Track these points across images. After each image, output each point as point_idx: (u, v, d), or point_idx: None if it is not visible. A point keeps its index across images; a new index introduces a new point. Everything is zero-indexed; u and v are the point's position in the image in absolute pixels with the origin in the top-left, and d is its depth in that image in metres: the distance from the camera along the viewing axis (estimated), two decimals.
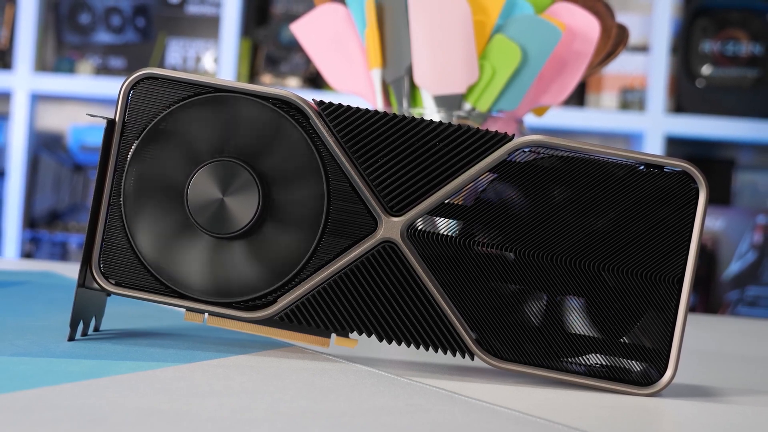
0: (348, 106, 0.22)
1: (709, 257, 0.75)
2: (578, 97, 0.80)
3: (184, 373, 0.19)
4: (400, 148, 0.21)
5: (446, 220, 0.21)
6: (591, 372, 0.21)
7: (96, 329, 0.23)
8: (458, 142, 0.21)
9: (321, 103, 0.22)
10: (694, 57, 0.77)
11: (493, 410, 0.18)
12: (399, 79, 0.32)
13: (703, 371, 0.26)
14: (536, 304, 0.21)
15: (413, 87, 0.32)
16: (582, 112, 0.77)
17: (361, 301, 0.22)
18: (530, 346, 0.21)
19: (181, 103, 0.22)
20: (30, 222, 0.82)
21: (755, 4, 0.77)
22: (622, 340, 0.21)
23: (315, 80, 0.81)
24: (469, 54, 0.30)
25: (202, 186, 0.21)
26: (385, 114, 0.22)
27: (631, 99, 0.79)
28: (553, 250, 0.21)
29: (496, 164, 0.21)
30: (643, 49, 0.79)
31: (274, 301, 0.22)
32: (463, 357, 0.22)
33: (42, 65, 0.82)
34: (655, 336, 0.21)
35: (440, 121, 0.22)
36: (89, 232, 0.22)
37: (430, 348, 0.22)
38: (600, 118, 0.77)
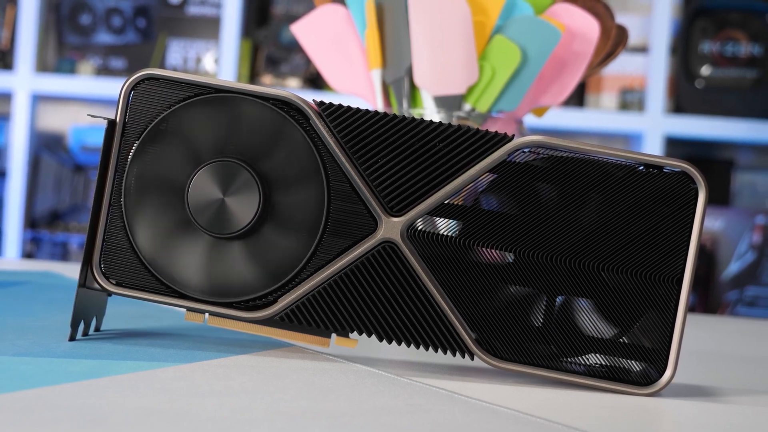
0: (348, 106, 0.22)
1: (708, 257, 0.75)
2: (578, 98, 0.80)
3: (185, 373, 0.19)
4: (400, 149, 0.21)
5: (446, 220, 0.22)
6: (591, 372, 0.21)
7: (97, 329, 0.24)
8: (458, 142, 0.21)
9: (321, 103, 0.22)
10: (694, 57, 0.77)
11: (493, 410, 0.18)
12: (399, 79, 0.32)
13: (702, 371, 0.26)
14: (536, 305, 0.22)
15: (413, 87, 0.32)
16: (581, 112, 0.78)
17: (361, 301, 0.22)
18: (530, 346, 0.21)
19: (181, 104, 0.22)
20: (31, 222, 0.82)
21: (754, 5, 0.77)
22: (621, 340, 0.21)
23: (315, 81, 0.82)
24: (469, 54, 0.31)
25: (203, 186, 0.21)
26: (385, 114, 0.22)
27: (631, 99, 0.79)
28: (553, 250, 0.21)
29: (496, 165, 0.21)
30: (642, 49, 0.79)
31: (275, 301, 0.22)
32: (463, 357, 0.22)
33: (43, 66, 0.82)
34: (654, 336, 0.21)
35: (440, 122, 0.22)
36: (90, 232, 0.22)
37: (430, 348, 0.22)
38: (599, 118, 0.77)
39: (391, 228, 0.21)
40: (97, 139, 0.84)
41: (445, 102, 0.31)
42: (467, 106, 0.31)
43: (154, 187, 0.21)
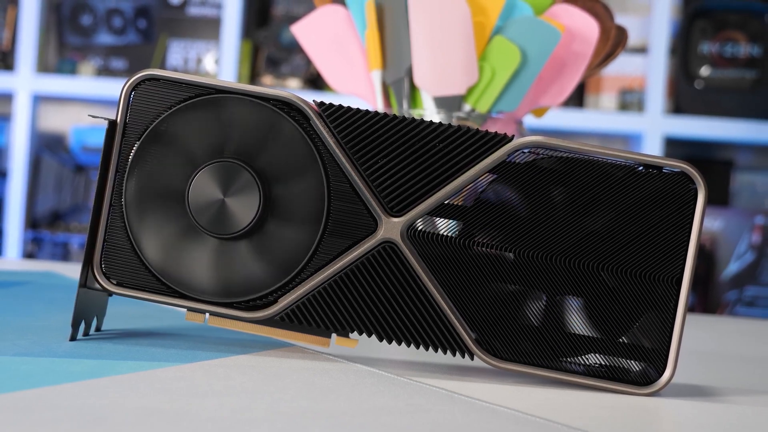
0: (348, 107, 0.22)
1: (707, 257, 0.75)
2: (577, 98, 0.80)
3: (185, 373, 0.19)
4: (400, 149, 0.21)
5: (446, 220, 0.22)
6: (590, 372, 0.21)
7: (98, 329, 0.24)
8: (458, 143, 0.21)
9: (321, 104, 0.22)
10: (693, 58, 0.77)
11: (493, 410, 0.18)
12: (399, 80, 0.32)
13: (701, 371, 0.26)
14: (536, 305, 0.22)
15: (413, 88, 0.32)
16: (581, 113, 0.78)
17: (362, 301, 0.22)
18: (530, 346, 0.21)
19: (182, 105, 0.22)
20: (32, 222, 0.82)
21: (754, 6, 0.78)
22: (621, 340, 0.21)
23: (315, 81, 0.82)
24: (469, 55, 0.31)
25: (204, 187, 0.21)
26: (385, 115, 0.22)
27: (630, 100, 0.79)
28: (553, 251, 0.21)
29: (496, 165, 0.21)
30: (641, 50, 0.79)
31: (275, 301, 0.22)
32: (463, 357, 0.22)
33: (44, 66, 0.82)
34: (654, 336, 0.21)
35: (440, 122, 0.22)
36: (91, 232, 0.22)
37: (430, 348, 0.22)
38: (599, 119, 0.77)
39: (391, 228, 0.21)
40: (98, 140, 0.84)
41: (445, 102, 0.31)
42: (467, 107, 0.31)
43: (155, 187, 0.22)
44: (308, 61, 0.80)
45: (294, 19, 0.75)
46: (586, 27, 0.32)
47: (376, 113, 0.22)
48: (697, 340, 0.33)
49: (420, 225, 0.22)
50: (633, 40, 0.78)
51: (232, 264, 0.21)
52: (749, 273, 0.73)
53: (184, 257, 0.21)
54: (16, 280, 0.34)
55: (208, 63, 0.83)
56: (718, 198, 0.80)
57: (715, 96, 0.77)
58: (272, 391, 0.18)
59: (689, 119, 0.76)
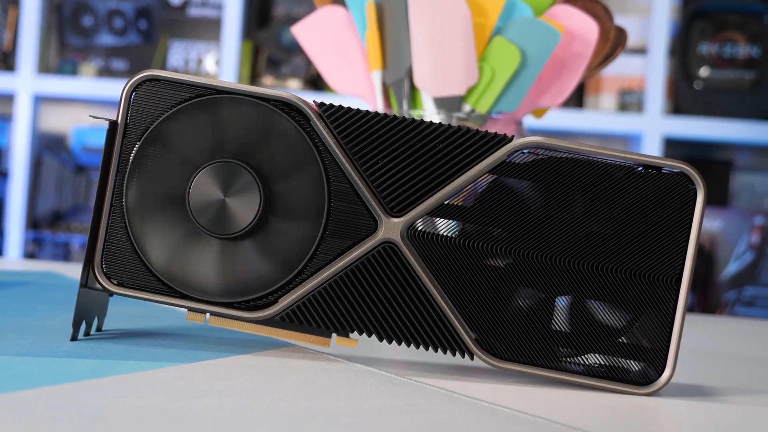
0: (348, 107, 0.22)
1: (707, 258, 0.75)
2: (577, 99, 0.80)
3: (185, 372, 0.19)
4: (400, 150, 0.22)
5: (446, 220, 0.22)
6: (590, 372, 0.22)
7: (98, 329, 0.24)
8: (458, 143, 0.22)
9: (321, 104, 0.22)
10: (692, 59, 0.77)
11: (493, 410, 0.18)
12: (399, 80, 0.32)
13: (701, 371, 0.27)
14: (535, 305, 0.22)
15: (413, 89, 0.32)
16: (581, 113, 0.78)
17: (362, 301, 0.22)
18: (529, 346, 0.21)
19: (183, 105, 0.22)
20: (33, 223, 0.82)
21: (753, 7, 0.78)
22: (620, 340, 0.22)
23: (315, 82, 0.82)
24: (469, 56, 0.31)
25: (204, 187, 0.21)
26: (386, 115, 0.22)
27: (630, 100, 0.79)
28: (552, 251, 0.21)
29: (496, 165, 0.21)
30: (641, 51, 0.79)
31: (275, 302, 0.22)
32: (463, 357, 0.22)
33: (45, 67, 0.82)
34: (653, 336, 0.21)
35: (440, 123, 0.22)
36: (91, 232, 0.22)
37: (430, 348, 0.22)
38: (598, 119, 0.77)
39: (391, 228, 0.21)
40: (99, 140, 0.84)
41: (444, 103, 0.31)
42: (467, 107, 0.31)
43: (156, 187, 0.22)
44: (308, 62, 0.80)
45: (294, 19, 0.75)
46: (585, 28, 0.32)
47: (376, 114, 0.22)
48: (697, 340, 0.33)
49: (420, 225, 0.22)
50: (632, 40, 0.78)
51: (233, 264, 0.22)
52: (748, 273, 0.73)
53: (184, 257, 0.22)
54: (17, 280, 0.34)
55: (209, 64, 0.83)
56: (718, 198, 0.80)
57: (714, 96, 0.77)
58: (272, 391, 0.18)
59: (688, 120, 0.76)
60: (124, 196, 0.22)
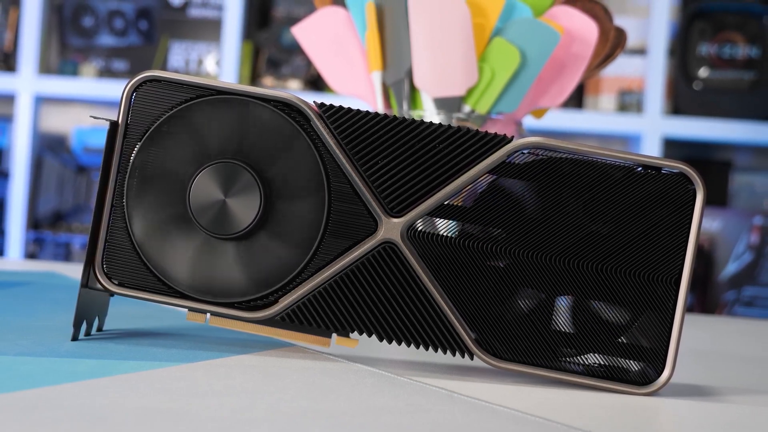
0: (348, 108, 0.22)
1: (706, 258, 0.75)
2: (577, 100, 0.80)
3: (186, 372, 0.20)
4: (401, 150, 0.22)
5: (446, 221, 0.22)
6: (589, 372, 0.22)
7: (99, 329, 0.24)
8: (458, 143, 0.22)
9: (322, 105, 0.22)
10: (692, 60, 0.77)
11: (493, 409, 0.18)
12: (399, 81, 0.32)
13: (700, 371, 0.27)
14: (535, 305, 0.22)
15: (413, 89, 0.32)
16: (580, 114, 0.78)
17: (362, 301, 0.22)
18: (529, 346, 0.21)
19: (183, 106, 0.22)
20: (34, 223, 0.82)
21: (752, 8, 0.78)
22: (620, 340, 0.22)
23: (316, 82, 0.82)
24: (469, 56, 0.31)
25: (205, 188, 0.21)
26: (386, 116, 0.22)
27: (629, 101, 0.79)
28: (552, 251, 0.21)
29: (495, 166, 0.21)
30: (640, 51, 0.79)
31: (276, 302, 0.22)
32: (463, 357, 0.22)
33: (46, 68, 0.82)
34: (652, 336, 0.21)
35: (440, 123, 0.22)
36: (92, 232, 0.22)
37: (430, 348, 0.22)
38: (598, 120, 0.77)
39: (391, 229, 0.22)
40: (100, 141, 0.84)
41: (444, 103, 0.31)
42: (467, 108, 0.31)
43: (156, 187, 0.22)
44: (309, 63, 0.80)
45: (294, 20, 0.75)
46: (585, 28, 0.32)
47: (377, 114, 0.22)
48: (696, 340, 0.33)
49: (420, 225, 0.22)
50: (632, 41, 0.78)
51: (233, 264, 0.22)
52: (748, 273, 0.73)
53: (185, 257, 0.22)
54: (18, 280, 0.34)
55: (209, 64, 0.83)
56: (717, 198, 0.80)
57: (713, 97, 0.77)
58: (273, 391, 0.18)
59: (688, 120, 0.76)
60: (124, 197, 0.22)
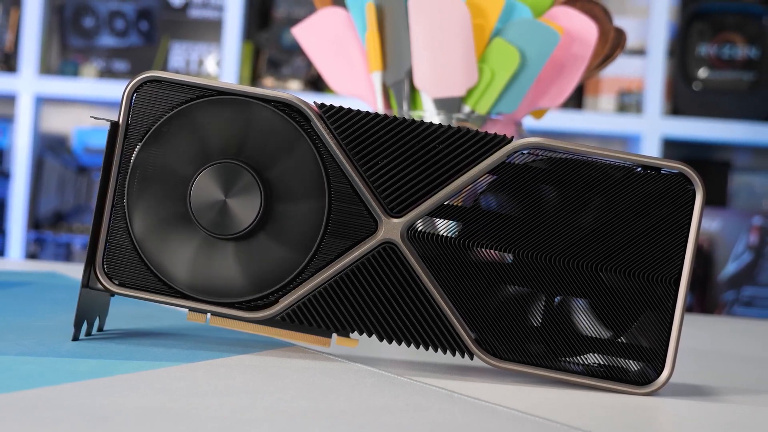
0: (349, 108, 0.22)
1: (705, 258, 0.75)
2: (576, 100, 0.80)
3: (186, 372, 0.20)
4: (401, 150, 0.22)
5: (446, 221, 0.22)
6: (589, 371, 0.22)
7: (100, 329, 0.24)
8: (458, 144, 0.22)
9: (322, 105, 0.22)
10: (691, 60, 0.77)
11: (493, 409, 0.18)
12: (399, 81, 0.32)
13: (699, 371, 0.27)
14: (535, 305, 0.22)
15: (413, 90, 0.32)
16: (580, 114, 0.78)
17: (362, 301, 0.22)
18: (529, 346, 0.22)
19: (184, 106, 0.22)
20: (35, 223, 0.82)
21: (751, 8, 0.78)
22: (619, 340, 0.22)
23: (316, 83, 0.82)
24: (469, 57, 0.31)
25: (205, 188, 0.21)
26: (386, 116, 0.22)
27: (629, 102, 0.79)
28: (552, 251, 0.21)
29: (495, 166, 0.22)
30: (640, 52, 0.79)
31: (276, 302, 0.22)
32: (463, 357, 0.22)
33: (46, 68, 0.82)
34: (652, 336, 0.21)
35: (440, 124, 0.22)
36: (93, 233, 0.22)
37: (430, 348, 0.22)
38: (598, 120, 0.77)
39: (391, 229, 0.22)
40: (100, 141, 0.84)
41: (444, 104, 0.31)
42: (467, 108, 0.32)
43: (156, 188, 0.22)
44: (309, 63, 0.80)
45: (295, 21, 0.75)
46: (584, 29, 0.32)
47: (377, 115, 0.22)
48: (695, 339, 0.33)
49: (420, 226, 0.22)
50: (631, 42, 0.78)
51: (234, 265, 0.22)
52: (747, 273, 0.73)
53: (186, 258, 0.22)
54: (19, 280, 0.34)
55: (210, 65, 0.83)
56: (716, 199, 0.80)
57: (713, 97, 0.77)
58: (273, 391, 0.18)
59: (687, 121, 0.76)
60: (125, 197, 0.22)
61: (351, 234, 0.22)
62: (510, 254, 0.22)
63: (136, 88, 0.22)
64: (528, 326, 0.22)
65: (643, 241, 0.21)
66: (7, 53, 0.83)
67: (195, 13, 0.84)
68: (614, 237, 0.21)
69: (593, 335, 0.22)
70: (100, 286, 0.22)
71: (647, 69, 0.76)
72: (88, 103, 0.86)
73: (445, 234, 0.22)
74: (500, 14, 0.31)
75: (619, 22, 0.36)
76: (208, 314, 0.22)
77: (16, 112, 0.81)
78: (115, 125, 0.22)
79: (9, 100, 0.83)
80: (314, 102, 0.22)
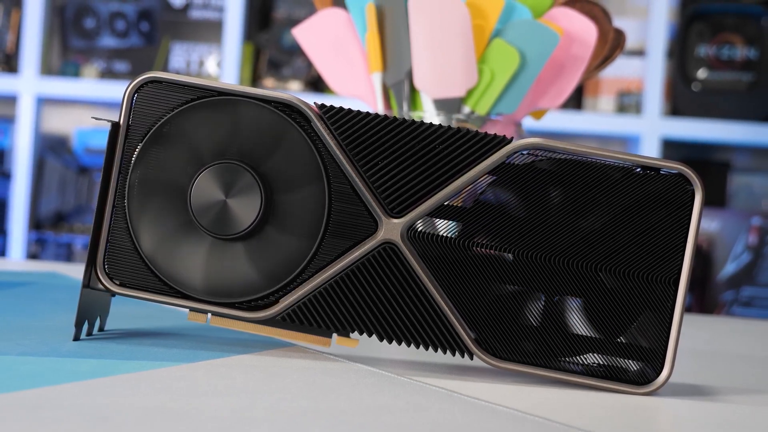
0: (349, 109, 0.22)
1: (704, 258, 0.75)
2: (576, 101, 0.80)
3: (187, 372, 0.20)
4: (401, 151, 0.22)
5: (446, 221, 0.22)
6: (589, 371, 0.22)
7: (101, 329, 0.24)
8: (457, 144, 0.22)
9: (322, 106, 0.22)
10: (690, 61, 0.77)
11: (492, 409, 0.18)
12: (399, 82, 0.32)
13: (698, 370, 0.27)
14: (534, 305, 0.22)
15: (413, 90, 0.32)
16: (579, 115, 0.78)
17: (362, 301, 0.22)
18: (529, 346, 0.22)
19: (184, 107, 0.22)
20: (36, 223, 0.82)
21: (750, 9, 0.78)
22: (619, 340, 0.22)
23: (316, 84, 0.82)
24: (469, 58, 0.31)
25: (206, 188, 0.21)
26: (386, 117, 0.22)
27: (628, 102, 0.79)
28: (551, 251, 0.22)
29: (495, 166, 0.22)
30: (639, 53, 0.79)
31: (276, 302, 0.22)
32: (463, 356, 0.22)
33: (47, 69, 0.82)
34: (651, 336, 0.22)
35: (440, 124, 0.22)
36: (94, 233, 0.22)
37: (430, 348, 0.22)
38: (597, 121, 0.78)
39: (391, 229, 0.22)
40: (101, 142, 0.84)
41: (444, 105, 0.31)
42: (466, 109, 0.32)
43: (157, 188, 0.22)
44: (309, 64, 0.80)
45: (295, 22, 0.75)
46: (584, 30, 0.32)
47: (377, 115, 0.22)
48: (695, 339, 0.33)
49: (420, 226, 0.22)
50: (631, 42, 0.78)
51: (234, 264, 0.22)
52: (746, 273, 0.73)
53: (187, 258, 0.22)
54: (20, 280, 0.34)
55: (210, 66, 0.83)
56: (715, 199, 0.80)
57: (712, 98, 0.77)
58: (273, 391, 0.18)
59: (686, 121, 0.76)
60: (126, 198, 0.22)
61: (351, 234, 0.22)
62: (510, 254, 0.22)
63: (137, 89, 0.22)
64: (528, 326, 0.22)
65: (643, 241, 0.21)
66: (8, 54, 0.83)
67: (195, 14, 0.84)
68: (614, 237, 0.21)
69: (593, 335, 0.22)
70: (101, 286, 0.22)
71: (646, 70, 0.76)
72: (88, 104, 0.86)
73: (445, 234, 0.22)
74: (500, 15, 0.31)
75: (618, 22, 0.36)
76: (209, 314, 0.22)
77: (17, 112, 0.81)
78: (115, 126, 0.22)
79: (10, 100, 0.83)
80: (314, 102, 0.22)
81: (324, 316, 0.22)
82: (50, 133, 0.86)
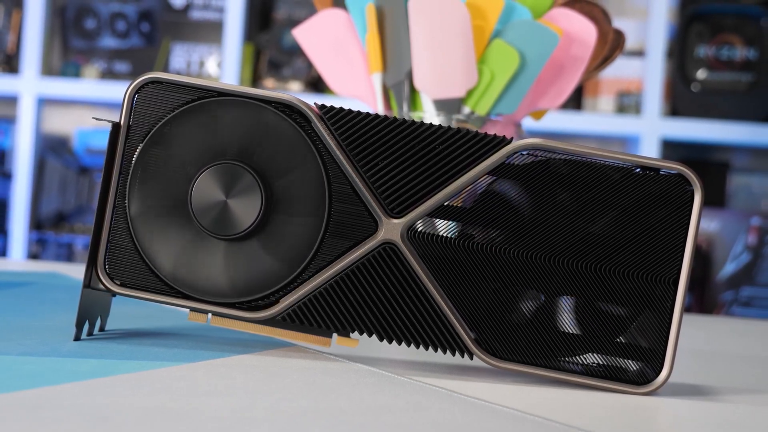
0: (349, 109, 0.22)
1: (704, 258, 0.75)
2: (575, 101, 0.80)
3: (187, 372, 0.20)
4: (401, 151, 0.22)
5: (446, 221, 0.22)
6: (588, 371, 0.22)
7: (101, 329, 0.24)
8: (457, 145, 0.22)
9: (323, 106, 0.22)
10: (690, 61, 0.77)
11: (492, 409, 0.18)
12: (399, 83, 0.32)
13: (698, 370, 0.27)
14: (534, 305, 0.22)
15: (413, 91, 0.32)
16: (579, 115, 0.78)
17: (362, 301, 0.22)
18: (528, 346, 0.22)
19: (185, 107, 0.22)
20: (36, 224, 0.82)
21: (750, 10, 0.78)
22: (618, 340, 0.22)
23: (317, 84, 0.82)
24: (468, 58, 0.31)
25: (206, 189, 0.21)
26: (386, 117, 0.22)
27: (628, 103, 0.79)
28: (551, 251, 0.22)
29: (495, 167, 0.22)
30: (639, 53, 0.79)
31: (277, 302, 0.22)
32: (463, 356, 0.22)
33: (48, 69, 0.82)
34: (651, 336, 0.22)
35: (440, 125, 0.22)
36: (94, 233, 0.22)
37: (430, 348, 0.22)
38: (597, 121, 0.78)
39: (391, 229, 0.22)
40: (102, 142, 0.84)
41: (444, 105, 0.31)
42: (466, 109, 0.32)
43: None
44: (309, 64, 0.80)
45: (295, 22, 0.75)
46: (584, 30, 0.32)
47: (377, 116, 0.22)
48: (694, 339, 0.33)
49: (420, 226, 0.22)
50: (630, 43, 0.78)
51: (235, 265, 0.22)
52: (745, 273, 0.73)
53: (187, 258, 0.22)
54: (21, 280, 0.34)
55: (211, 66, 0.83)
56: (715, 199, 0.80)
57: (711, 99, 0.77)
58: (273, 391, 0.19)
59: (686, 122, 0.76)
60: (126, 198, 0.22)
61: (351, 234, 0.22)
62: (509, 254, 0.22)
63: (138, 90, 0.22)
64: (527, 326, 0.22)
65: (642, 241, 0.21)
66: (9, 54, 0.83)
67: (196, 14, 0.84)
68: (613, 237, 0.21)
69: (592, 335, 0.22)
70: (101, 286, 0.22)
71: (646, 70, 0.76)
72: (89, 104, 0.86)
73: (445, 234, 0.22)
74: (500, 15, 0.32)
75: (618, 23, 0.36)
76: (209, 314, 0.22)
77: (17, 113, 0.81)
78: (116, 126, 0.22)
79: (11, 101, 0.83)
80: (315, 103, 0.22)
81: (324, 316, 0.22)
82: (51, 134, 0.86)
